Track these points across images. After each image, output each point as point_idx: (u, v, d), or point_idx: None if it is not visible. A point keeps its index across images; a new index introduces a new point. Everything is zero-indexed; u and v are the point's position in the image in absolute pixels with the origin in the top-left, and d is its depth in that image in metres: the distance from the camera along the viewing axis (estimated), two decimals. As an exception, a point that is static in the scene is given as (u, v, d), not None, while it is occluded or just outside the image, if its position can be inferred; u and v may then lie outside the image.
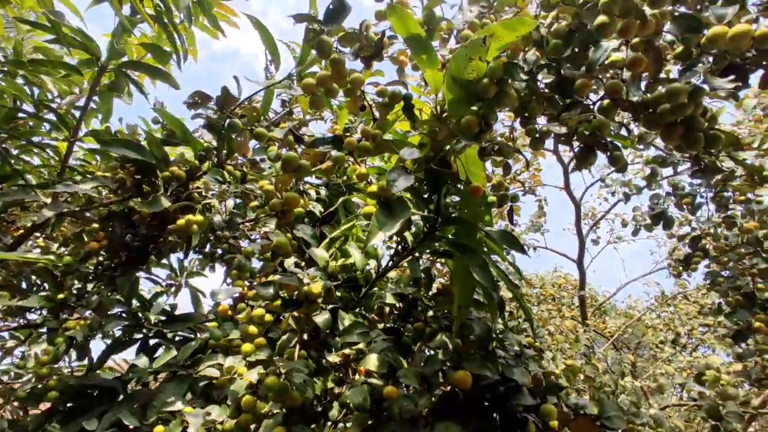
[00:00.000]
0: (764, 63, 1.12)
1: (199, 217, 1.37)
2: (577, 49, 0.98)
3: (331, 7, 0.97)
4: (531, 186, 3.31)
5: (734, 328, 2.31)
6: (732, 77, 1.10)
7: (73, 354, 1.71)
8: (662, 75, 1.14)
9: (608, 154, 0.96)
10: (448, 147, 1.17)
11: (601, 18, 0.93)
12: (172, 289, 2.43)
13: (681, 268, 2.49)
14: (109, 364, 1.93)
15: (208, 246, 2.13)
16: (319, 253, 1.68)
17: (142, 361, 1.67)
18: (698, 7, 1.13)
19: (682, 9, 1.09)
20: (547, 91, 1.05)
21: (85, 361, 1.69)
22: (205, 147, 1.73)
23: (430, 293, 1.75)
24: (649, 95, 1.04)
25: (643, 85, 1.12)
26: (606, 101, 1.04)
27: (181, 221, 1.34)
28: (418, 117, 1.28)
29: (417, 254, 1.60)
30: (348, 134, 1.30)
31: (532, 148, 1.20)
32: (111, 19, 1.78)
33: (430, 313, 1.56)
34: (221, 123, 1.62)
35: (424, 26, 1.23)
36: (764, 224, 2.39)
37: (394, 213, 1.05)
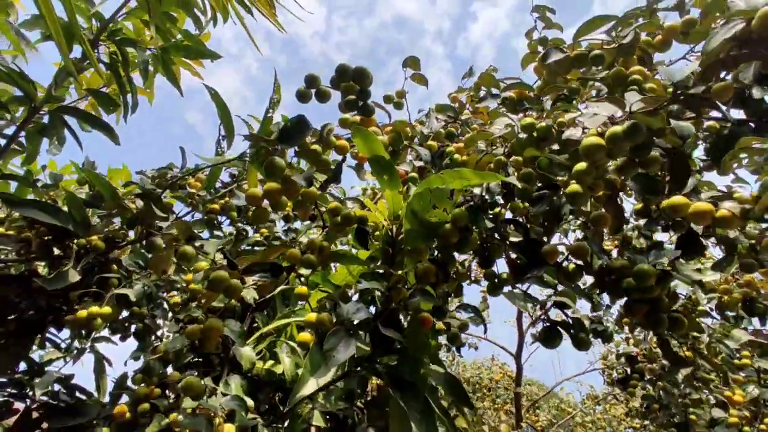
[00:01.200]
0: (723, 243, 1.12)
1: (105, 309, 1.17)
2: (547, 207, 0.93)
3: (288, 125, 0.87)
4: (476, 275, 3.28)
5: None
6: (689, 248, 1.08)
7: None
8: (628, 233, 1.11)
9: (572, 332, 0.89)
10: (399, 299, 1.07)
11: (574, 187, 0.88)
12: (73, 353, 2.12)
13: (618, 388, 2.47)
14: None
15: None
16: (246, 353, 1.50)
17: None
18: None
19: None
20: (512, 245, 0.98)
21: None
22: (136, 215, 1.55)
23: (363, 400, 1.59)
24: (614, 262, 1.00)
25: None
26: (571, 265, 0.98)
27: (82, 313, 1.14)
28: (371, 241, 1.19)
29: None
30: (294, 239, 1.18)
31: (489, 292, 1.12)
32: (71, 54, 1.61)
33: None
34: (156, 193, 1.46)
35: (389, 147, 1.16)
36: (697, 352, 2.43)
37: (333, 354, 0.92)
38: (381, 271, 1.35)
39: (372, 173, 1.20)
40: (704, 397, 2.32)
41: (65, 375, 1.75)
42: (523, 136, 1.00)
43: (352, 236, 1.15)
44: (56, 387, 1.67)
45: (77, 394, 1.70)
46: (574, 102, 1.32)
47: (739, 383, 2.29)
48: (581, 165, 0.88)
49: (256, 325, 1.87)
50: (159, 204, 1.46)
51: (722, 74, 1.24)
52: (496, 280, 1.07)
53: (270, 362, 1.54)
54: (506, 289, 1.07)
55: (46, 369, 1.73)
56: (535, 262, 0.94)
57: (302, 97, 1.07)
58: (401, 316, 1.02)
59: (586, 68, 1.10)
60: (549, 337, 0.90)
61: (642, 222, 1.25)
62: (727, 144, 1.09)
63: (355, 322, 0.87)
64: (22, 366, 1.67)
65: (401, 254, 1.27)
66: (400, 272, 1.35)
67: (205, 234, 1.81)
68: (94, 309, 1.12)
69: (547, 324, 0.91)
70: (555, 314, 1.05)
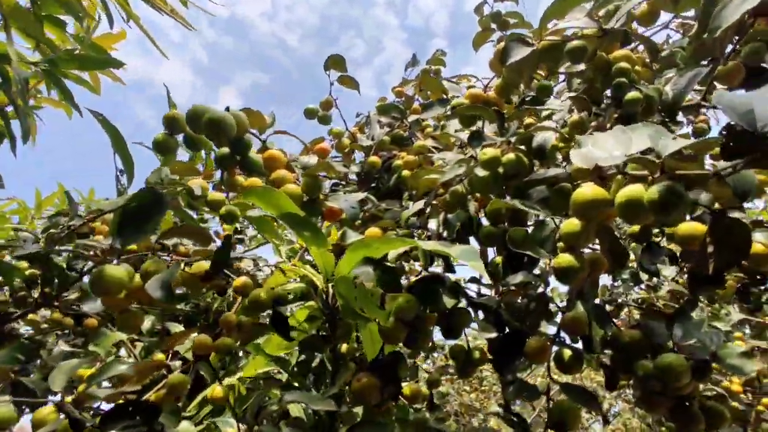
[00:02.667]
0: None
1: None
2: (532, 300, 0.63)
3: (132, 210, 0.54)
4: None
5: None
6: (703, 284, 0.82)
7: None
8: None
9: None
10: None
11: (566, 260, 0.59)
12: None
13: None
14: None
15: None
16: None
17: None
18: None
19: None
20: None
21: None
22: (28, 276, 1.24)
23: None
24: (623, 334, 0.73)
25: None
26: (566, 352, 0.69)
27: None
28: (296, 323, 0.89)
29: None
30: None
31: (458, 373, 0.83)
32: None
33: None
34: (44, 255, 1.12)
35: (305, 196, 0.84)
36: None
37: None
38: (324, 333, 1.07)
39: (292, 231, 0.89)
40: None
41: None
42: (483, 174, 0.70)
43: (270, 322, 0.85)
44: None
45: None
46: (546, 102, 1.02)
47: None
48: (573, 225, 0.59)
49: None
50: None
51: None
52: (465, 360, 0.78)
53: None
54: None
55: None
56: (515, 359, 0.65)
57: (162, 149, 0.73)
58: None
59: (562, 62, 0.80)
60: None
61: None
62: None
63: None
64: None
65: (342, 326, 0.98)
66: (345, 346, 1.06)
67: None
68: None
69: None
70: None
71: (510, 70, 0.83)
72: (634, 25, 1.02)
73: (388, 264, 0.72)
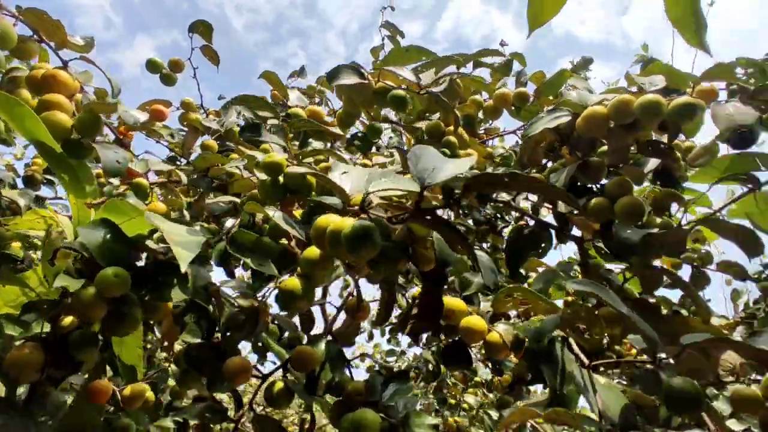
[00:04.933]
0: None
1: None
2: None
3: None
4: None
5: None
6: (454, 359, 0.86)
7: None
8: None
9: None
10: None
11: (292, 284, 0.56)
12: None
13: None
14: None
15: None
16: None
17: None
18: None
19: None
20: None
21: None
22: None
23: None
24: (346, 387, 0.71)
25: None
26: (278, 385, 0.65)
27: None
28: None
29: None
30: None
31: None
32: None
33: None
34: None
35: (74, 133, 0.72)
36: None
37: None
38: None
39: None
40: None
41: None
42: (264, 177, 0.66)
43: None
44: None
45: None
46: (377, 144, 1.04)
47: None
48: (313, 253, 0.57)
49: None
50: None
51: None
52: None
53: None
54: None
55: None
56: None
57: None
58: None
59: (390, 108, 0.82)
60: None
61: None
62: (526, 248, 0.91)
63: None
64: None
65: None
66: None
67: None
68: None
69: None
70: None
71: (348, 98, 0.83)
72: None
73: (124, 233, 0.63)
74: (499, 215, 1.44)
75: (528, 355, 0.58)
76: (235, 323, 0.58)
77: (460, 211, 1.29)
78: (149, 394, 0.92)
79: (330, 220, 0.49)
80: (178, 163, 1.40)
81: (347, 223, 0.43)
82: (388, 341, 2.44)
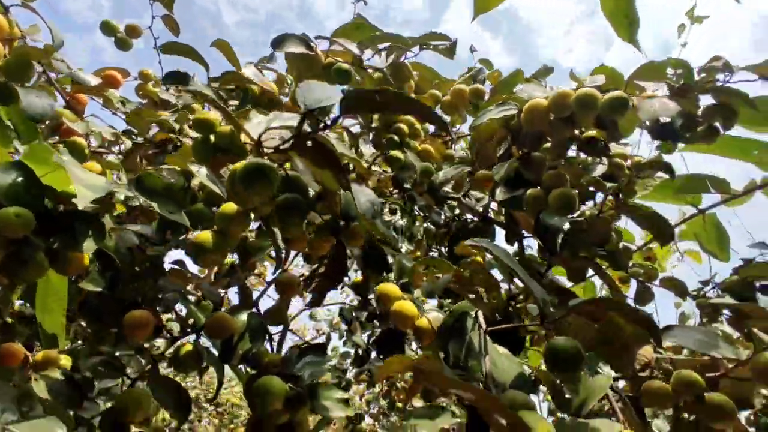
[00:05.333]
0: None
1: None
2: None
3: None
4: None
5: None
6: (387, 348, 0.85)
7: None
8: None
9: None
10: None
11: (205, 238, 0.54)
12: None
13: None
14: None
15: None
16: None
17: None
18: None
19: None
20: None
21: None
22: None
23: None
24: (262, 359, 0.69)
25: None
26: (186, 347, 0.63)
27: None
28: None
29: None
30: None
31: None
32: None
33: None
34: None
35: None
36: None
37: None
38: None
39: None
40: None
41: None
42: (194, 135, 0.65)
43: None
44: None
45: None
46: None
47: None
48: (230, 208, 0.55)
49: None
50: None
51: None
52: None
53: None
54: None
55: None
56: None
57: None
58: None
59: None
60: None
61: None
62: (467, 238, 0.91)
63: None
64: None
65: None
66: None
67: None
68: None
69: None
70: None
71: (296, 67, 0.82)
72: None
73: (40, 180, 0.60)
74: (456, 218, 1.45)
75: (441, 333, 0.57)
76: (138, 272, 0.56)
77: (422, 213, 1.29)
78: (65, 362, 0.88)
79: (238, 166, 0.49)
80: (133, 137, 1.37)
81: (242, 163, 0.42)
82: (344, 344, 2.41)
